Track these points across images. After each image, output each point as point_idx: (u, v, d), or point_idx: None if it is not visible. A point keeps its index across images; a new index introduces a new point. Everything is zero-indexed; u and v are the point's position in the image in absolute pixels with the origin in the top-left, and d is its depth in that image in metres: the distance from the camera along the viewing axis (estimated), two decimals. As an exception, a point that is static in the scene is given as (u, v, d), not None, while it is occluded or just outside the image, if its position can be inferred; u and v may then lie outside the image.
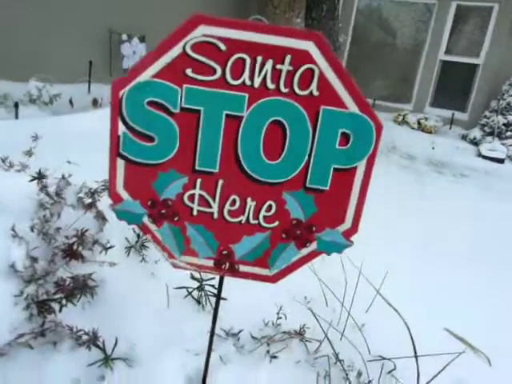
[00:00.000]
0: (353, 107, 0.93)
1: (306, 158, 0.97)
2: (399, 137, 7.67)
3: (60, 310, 1.27)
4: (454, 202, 4.59)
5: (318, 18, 5.32)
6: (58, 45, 6.27)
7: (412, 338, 1.46)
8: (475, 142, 7.96)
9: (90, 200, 1.64)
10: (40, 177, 1.38)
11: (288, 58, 0.90)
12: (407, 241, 2.99)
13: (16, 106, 5.13)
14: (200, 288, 1.70)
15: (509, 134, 7.74)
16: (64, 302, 1.27)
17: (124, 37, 6.91)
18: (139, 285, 1.70)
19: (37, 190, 1.46)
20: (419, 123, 8.31)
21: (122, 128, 0.97)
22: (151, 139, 0.98)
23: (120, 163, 1.01)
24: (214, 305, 1.24)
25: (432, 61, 8.54)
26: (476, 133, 8.04)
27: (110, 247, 1.57)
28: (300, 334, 1.61)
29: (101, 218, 1.59)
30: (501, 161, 7.35)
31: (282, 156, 0.97)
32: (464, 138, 8.30)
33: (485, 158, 7.37)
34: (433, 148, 7.66)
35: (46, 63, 6.14)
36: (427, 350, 1.85)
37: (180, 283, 1.69)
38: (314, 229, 1.03)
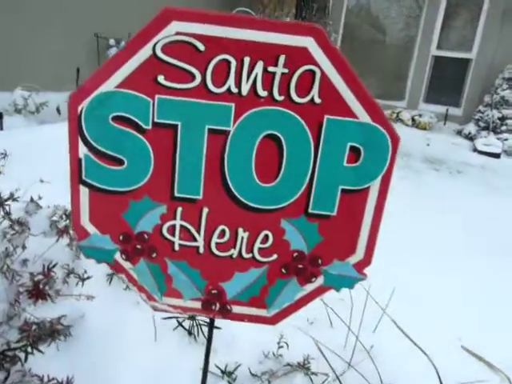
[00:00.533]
0: (363, 116, 0.76)
1: (308, 178, 0.79)
2: (394, 135, 7.57)
3: (25, 360, 1.09)
4: (450, 201, 4.52)
5: (308, 16, 5.20)
6: (44, 52, 6.09)
7: (437, 373, 1.29)
8: (470, 137, 7.88)
9: (65, 223, 1.47)
10: (0, 203, 1.19)
11: (282, 59, 0.73)
12: (407, 246, 2.86)
13: (0, 116, 4.98)
14: (191, 317, 1.53)
15: (504, 128, 7.65)
16: (30, 349, 1.09)
17: (111, 41, 6.72)
18: (123, 317, 1.52)
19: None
20: (413, 120, 8.21)
21: (83, 149, 0.80)
22: (119, 162, 0.80)
23: (84, 191, 0.83)
24: (206, 335, 1.07)
25: (424, 57, 8.44)
26: (471, 128, 7.95)
27: (88, 278, 1.39)
28: (304, 366, 1.44)
29: (76, 244, 1.41)
30: (497, 155, 7.27)
31: (279, 177, 0.80)
32: (459, 133, 8.21)
33: (480, 152, 7.30)
34: (428, 145, 7.58)
35: (31, 71, 5.96)
36: (442, 368, 1.70)
37: (169, 313, 1.52)
38: (319, 261, 0.86)
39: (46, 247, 1.37)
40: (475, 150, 7.33)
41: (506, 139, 7.51)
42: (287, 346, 1.50)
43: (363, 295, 1.80)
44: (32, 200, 1.39)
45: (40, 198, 1.43)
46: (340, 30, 8.79)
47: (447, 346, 1.91)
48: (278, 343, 1.50)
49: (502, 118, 7.67)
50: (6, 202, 1.31)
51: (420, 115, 8.17)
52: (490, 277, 2.54)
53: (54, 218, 1.48)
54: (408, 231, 3.19)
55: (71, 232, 1.38)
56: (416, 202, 4.31)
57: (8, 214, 1.24)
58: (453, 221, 3.59)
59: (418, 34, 8.48)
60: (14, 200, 1.52)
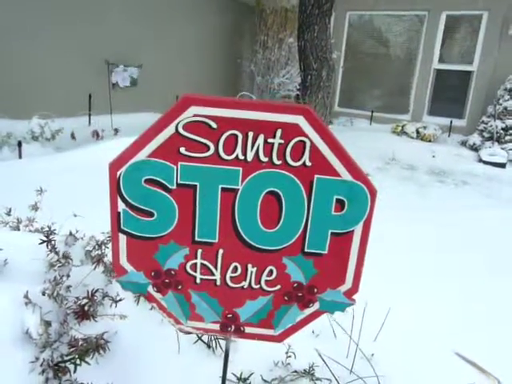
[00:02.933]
0: (346, 175, 0.95)
1: (303, 225, 0.99)
2: (399, 147, 7.70)
3: (75, 371, 1.29)
4: (455, 214, 4.57)
5: (310, 39, 5.39)
6: (58, 79, 6.38)
7: None
8: (475, 148, 7.98)
9: (98, 252, 1.67)
10: (49, 240, 1.40)
11: (279, 132, 0.93)
12: (413, 261, 2.99)
13: (19, 144, 5.20)
14: (209, 334, 1.71)
15: (508, 138, 7.77)
16: (78, 361, 1.28)
17: (121, 67, 7.03)
18: (150, 333, 1.71)
19: (45, 249, 1.49)
20: (418, 132, 8.35)
21: (121, 205, 1.00)
22: (150, 214, 1.00)
23: (122, 238, 1.03)
24: (224, 348, 1.25)
25: (426, 70, 8.62)
26: (475, 139, 8.07)
27: (120, 300, 1.58)
28: (309, 373, 1.62)
29: (109, 271, 1.61)
30: (502, 165, 7.35)
31: (279, 224, 0.99)
32: (464, 144, 8.32)
33: (485, 163, 7.38)
34: (433, 156, 7.68)
35: (46, 99, 6.24)
36: (438, 375, 1.86)
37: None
38: (315, 290, 1.05)
39: (84, 274, 1.57)
40: (480, 160, 7.42)
41: (511, 149, 7.61)
42: (294, 355, 1.68)
43: (368, 308, 1.97)
44: (71, 233, 1.59)
45: (77, 231, 1.63)
46: (343, 47, 9.03)
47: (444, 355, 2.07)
48: (287, 353, 1.68)
49: (506, 128, 7.79)
50: (51, 237, 1.52)
51: (424, 127, 8.32)
52: (488, 296, 2.64)
53: (88, 248, 1.69)
54: (409, 246, 3.32)
55: (105, 260, 1.58)
56: (420, 215, 4.41)
57: (54, 248, 1.45)
58: (456, 235, 3.66)
59: (419, 48, 8.67)
60: (53, 233, 1.75)
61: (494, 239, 3.65)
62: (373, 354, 1.87)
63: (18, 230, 1.84)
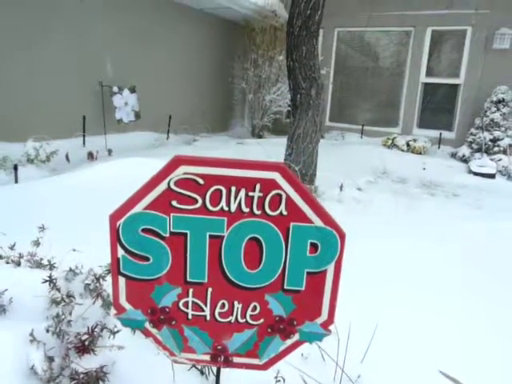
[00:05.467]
0: (317, 222, 1.08)
1: (282, 265, 1.12)
2: (390, 160, 7.85)
3: (76, 403, 1.39)
4: (446, 227, 4.65)
5: (298, 59, 5.55)
6: (52, 102, 6.51)
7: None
8: (464, 160, 8.15)
9: (96, 285, 1.78)
10: (50, 279, 1.52)
11: (258, 186, 1.06)
12: (398, 277, 3.09)
13: (15, 168, 5.29)
14: (203, 359, 1.82)
15: (496, 149, 7.95)
16: (79, 395, 1.39)
17: (115, 89, 7.17)
18: (146, 362, 1.81)
19: (47, 287, 1.61)
20: (408, 145, 8.52)
21: (120, 251, 1.12)
22: (147, 259, 1.13)
23: (121, 280, 1.16)
24: (215, 373, 1.36)
25: (414, 84, 8.83)
26: (464, 150, 8.24)
27: (117, 331, 1.70)
28: (298, 398, 1.73)
29: (107, 304, 1.72)
30: (492, 176, 7.49)
31: (261, 266, 1.12)
32: (453, 156, 8.50)
33: (476, 174, 7.53)
34: (424, 169, 7.82)
35: (41, 121, 6.36)
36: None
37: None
38: (295, 323, 1.17)
39: (83, 307, 1.68)
40: (470, 171, 7.58)
41: (500, 159, 7.78)
42: (283, 380, 1.79)
43: (358, 330, 2.08)
44: (71, 269, 1.71)
45: (76, 267, 1.75)
46: (332, 63, 9.24)
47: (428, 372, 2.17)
48: (276, 377, 1.79)
49: (494, 140, 7.98)
50: (52, 273, 1.63)
51: (415, 140, 8.49)
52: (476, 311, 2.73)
53: (87, 282, 1.81)
54: (398, 262, 3.42)
55: (103, 294, 1.70)
56: (410, 229, 4.51)
57: (55, 285, 1.56)
58: (447, 250, 3.73)
59: (407, 62, 8.90)
60: (53, 267, 1.86)
61: (485, 252, 3.73)
62: (359, 376, 1.97)
63: (20, 264, 1.96)
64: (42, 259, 2.05)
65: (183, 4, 8.16)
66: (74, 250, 1.94)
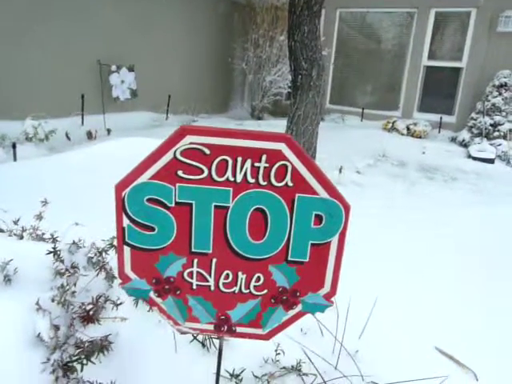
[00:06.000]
0: (323, 193, 1.08)
1: (286, 237, 1.12)
2: (389, 144, 7.84)
3: (82, 370, 1.42)
4: (444, 211, 4.69)
5: (300, 39, 5.49)
6: (50, 81, 6.45)
7: None
8: (464, 144, 8.14)
9: (99, 258, 1.80)
10: (55, 250, 1.53)
11: (264, 157, 1.06)
12: (396, 258, 3.13)
13: (14, 146, 5.26)
14: (204, 332, 1.85)
15: (496, 134, 7.94)
16: (85, 361, 1.42)
17: (113, 68, 7.10)
18: (148, 334, 1.84)
19: (52, 258, 1.62)
20: (408, 129, 8.50)
21: (126, 221, 1.13)
22: (152, 229, 1.13)
23: (126, 250, 1.16)
24: (218, 347, 1.39)
25: (416, 67, 8.76)
26: (464, 135, 8.23)
27: (120, 303, 1.72)
28: (297, 369, 1.77)
29: (110, 277, 1.74)
30: (491, 161, 7.49)
31: (266, 237, 1.13)
32: (453, 140, 8.49)
33: (475, 159, 7.53)
34: (423, 153, 7.81)
35: (39, 100, 6.31)
36: (419, 370, 2.00)
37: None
38: (298, 294, 1.19)
39: (86, 279, 1.70)
40: (470, 156, 7.58)
41: (500, 144, 7.78)
42: (283, 352, 1.83)
43: (356, 307, 2.11)
44: (74, 242, 1.72)
45: (80, 240, 1.76)
46: (333, 44, 9.14)
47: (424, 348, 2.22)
48: (276, 350, 1.82)
49: (495, 125, 7.96)
50: (55, 245, 1.65)
51: (415, 124, 8.47)
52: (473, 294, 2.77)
53: (90, 255, 1.82)
54: (398, 245, 3.45)
55: (106, 267, 1.71)
56: (409, 214, 4.53)
57: (59, 257, 1.58)
58: (445, 234, 3.76)
59: (409, 44, 8.80)
60: (56, 241, 1.87)
61: (484, 237, 3.76)
62: (357, 351, 2.01)
63: (22, 238, 1.97)
64: (43, 233, 2.05)
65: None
66: (77, 224, 1.94)
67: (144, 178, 1.09)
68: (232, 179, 1.08)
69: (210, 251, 1.15)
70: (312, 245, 1.13)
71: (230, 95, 10.13)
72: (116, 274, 1.79)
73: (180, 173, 1.08)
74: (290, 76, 7.33)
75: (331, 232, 1.12)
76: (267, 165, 1.07)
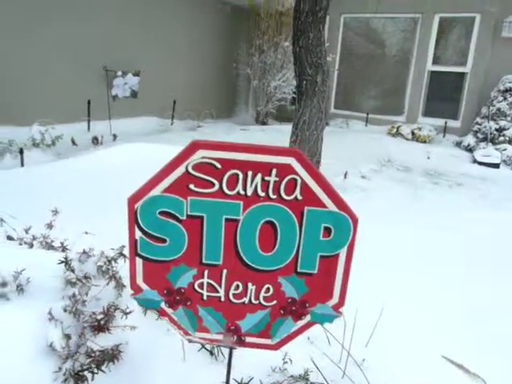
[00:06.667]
0: (331, 206, 1.10)
1: (295, 249, 1.14)
2: (394, 149, 7.85)
3: (92, 378, 1.44)
4: (449, 216, 4.68)
5: (304, 46, 5.51)
6: (57, 87, 6.52)
7: None
8: (469, 149, 8.14)
9: (108, 267, 1.82)
10: (66, 261, 1.56)
11: (274, 171, 1.08)
12: (402, 264, 3.14)
13: (21, 152, 5.31)
14: (212, 340, 1.87)
15: (501, 138, 7.93)
16: (95, 370, 1.44)
17: (119, 73, 7.17)
18: (157, 342, 1.86)
19: (62, 268, 1.65)
20: (413, 134, 8.50)
21: (138, 233, 1.15)
22: (164, 241, 1.16)
23: (138, 261, 1.19)
24: (226, 356, 1.40)
25: (421, 72, 8.77)
26: (469, 139, 8.22)
27: (130, 312, 1.74)
28: (304, 377, 1.78)
29: (119, 285, 1.76)
30: (496, 165, 7.48)
31: (275, 249, 1.15)
32: (458, 145, 8.48)
33: (480, 163, 7.51)
34: (428, 158, 7.81)
35: (46, 106, 6.37)
36: (427, 379, 2.01)
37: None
38: (307, 305, 1.20)
39: (96, 288, 1.72)
40: (475, 161, 7.56)
41: (505, 149, 7.76)
42: (291, 361, 1.84)
43: (363, 315, 2.12)
44: (84, 251, 1.75)
45: (90, 249, 1.79)
46: (338, 50, 9.17)
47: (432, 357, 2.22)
48: (283, 359, 1.83)
49: (500, 129, 7.96)
50: (66, 254, 1.67)
51: (419, 129, 8.47)
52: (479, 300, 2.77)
53: (100, 264, 1.84)
54: (404, 251, 3.46)
55: (116, 277, 1.74)
56: (414, 219, 4.52)
57: (70, 266, 1.60)
58: (448, 239, 3.76)
59: (413, 50, 8.82)
60: (65, 249, 1.90)
61: (489, 242, 3.76)
62: (364, 359, 2.02)
63: (32, 246, 2.00)
64: (52, 241, 2.08)
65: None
66: (86, 233, 1.97)
67: (156, 191, 1.12)
68: (242, 193, 1.10)
69: (221, 263, 1.18)
70: (321, 257, 1.15)
71: (234, 100, 10.17)
72: (125, 282, 1.82)
73: (191, 186, 1.11)
74: (294, 81, 7.37)
75: (340, 244, 1.14)
76: (277, 179, 1.09)
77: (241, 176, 1.09)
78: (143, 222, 1.14)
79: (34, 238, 1.99)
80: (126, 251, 1.69)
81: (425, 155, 7.81)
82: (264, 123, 9.30)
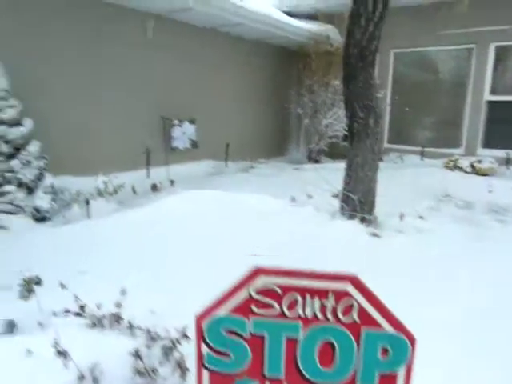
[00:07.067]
0: (388, 328, 1.14)
1: (353, 366, 1.18)
2: (452, 183, 7.55)
3: None
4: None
5: (354, 89, 5.55)
6: (118, 138, 6.98)
7: None
8: (536, 181, 7.68)
9: (174, 350, 1.92)
10: (137, 353, 1.68)
11: (331, 296, 1.14)
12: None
13: (87, 203, 5.70)
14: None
15: None
16: None
17: (175, 122, 7.55)
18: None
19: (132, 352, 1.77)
20: (473, 166, 8.16)
21: (205, 348, 1.24)
22: (228, 356, 1.24)
23: (205, 372, 1.27)
24: None
25: (478, 102, 8.50)
26: (535, 171, 7.77)
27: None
28: None
29: (184, 371, 1.85)
30: None
31: (334, 366, 1.19)
32: (523, 177, 8.03)
33: (549, 196, 7.04)
34: (490, 191, 7.44)
35: (108, 156, 6.84)
36: None
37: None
38: (368, 419, 1.23)
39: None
40: (543, 193, 7.12)
41: None
42: None
43: None
44: (151, 337, 1.87)
45: (156, 333, 1.90)
46: (389, 85, 9.11)
47: None
48: None
49: None
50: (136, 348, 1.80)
51: (479, 161, 8.13)
52: None
53: (165, 343, 1.95)
54: (464, 303, 3.21)
55: (182, 366, 1.84)
56: (479, 264, 4.26)
57: (139, 355, 1.73)
58: None
59: (469, 80, 8.58)
60: (132, 327, 2.02)
61: None
62: None
63: (102, 325, 2.13)
64: (120, 318, 2.21)
65: (236, 36, 8.46)
66: (153, 313, 2.10)
67: (221, 311, 1.21)
68: (302, 315, 1.17)
69: (282, 376, 1.24)
70: (379, 375, 1.18)
71: (286, 139, 10.34)
72: (188, 365, 1.91)
73: (254, 308, 1.19)
74: (345, 119, 7.39)
75: (398, 363, 1.16)
76: (334, 303, 1.15)
77: (299, 300, 1.16)
78: (210, 339, 1.24)
79: (104, 317, 2.13)
80: (190, 333, 1.79)
81: (486, 189, 7.44)
82: (317, 161, 9.36)
